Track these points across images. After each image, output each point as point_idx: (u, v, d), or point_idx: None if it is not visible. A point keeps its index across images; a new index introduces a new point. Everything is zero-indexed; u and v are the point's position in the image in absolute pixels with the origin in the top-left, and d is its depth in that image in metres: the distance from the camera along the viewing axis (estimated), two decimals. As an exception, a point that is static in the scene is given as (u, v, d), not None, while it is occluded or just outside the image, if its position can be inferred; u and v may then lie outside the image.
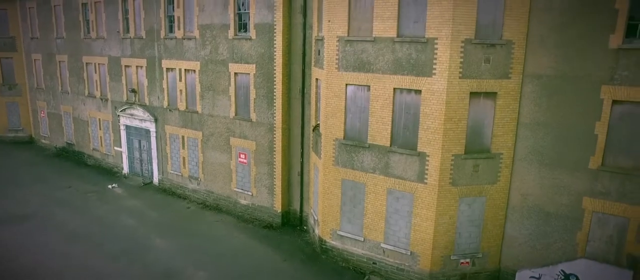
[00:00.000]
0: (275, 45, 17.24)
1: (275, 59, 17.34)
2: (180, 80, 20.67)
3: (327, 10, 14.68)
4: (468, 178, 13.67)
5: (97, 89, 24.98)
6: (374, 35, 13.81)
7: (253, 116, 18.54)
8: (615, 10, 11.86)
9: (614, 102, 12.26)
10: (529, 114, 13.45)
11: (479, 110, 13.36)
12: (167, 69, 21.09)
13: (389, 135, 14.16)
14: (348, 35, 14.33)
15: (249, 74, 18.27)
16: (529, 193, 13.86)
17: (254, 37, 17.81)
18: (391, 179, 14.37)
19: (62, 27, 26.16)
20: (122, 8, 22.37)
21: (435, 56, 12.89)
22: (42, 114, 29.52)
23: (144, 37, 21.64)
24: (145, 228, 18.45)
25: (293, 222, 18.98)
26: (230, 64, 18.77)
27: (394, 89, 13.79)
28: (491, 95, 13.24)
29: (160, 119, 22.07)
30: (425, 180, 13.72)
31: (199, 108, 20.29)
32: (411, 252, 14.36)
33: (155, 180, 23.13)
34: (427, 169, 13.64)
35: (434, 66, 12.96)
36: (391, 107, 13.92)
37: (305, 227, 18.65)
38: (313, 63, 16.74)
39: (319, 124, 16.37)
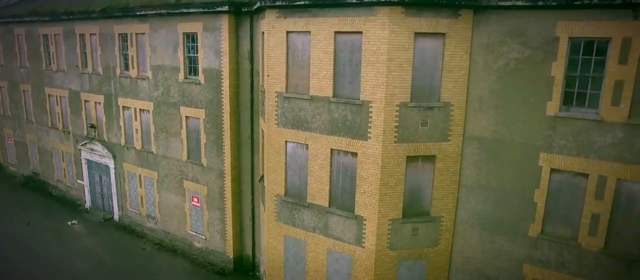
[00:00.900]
0: (222, 92, 16.82)
1: (223, 105, 16.92)
2: (136, 119, 20.28)
3: (267, 64, 14.26)
4: (407, 241, 13.25)
5: (59, 121, 24.60)
6: (310, 94, 13.38)
7: (204, 161, 18.15)
8: (551, 77, 11.44)
9: (553, 170, 11.84)
10: (470, 177, 13.02)
11: (417, 174, 12.93)
12: (124, 107, 20.70)
13: (328, 196, 13.74)
14: (286, 92, 13.91)
15: (199, 118, 17.87)
16: (471, 256, 13.44)
17: (202, 81, 17.40)
18: (331, 239, 13.96)
19: (25, 57, 25.75)
20: (80, 42, 21.96)
21: (370, 119, 12.46)
22: (9, 141, 29.17)
23: (101, 73, 21.24)
24: (94, 276, 18.08)
25: (246, 267, 18.59)
26: (181, 107, 18.37)
27: (332, 149, 13.37)
28: (430, 158, 12.80)
29: (118, 156, 21.69)
30: (363, 244, 13.31)
31: (154, 148, 19.90)
32: (352, 315, 13.99)
33: (116, 216, 22.76)
34: (364, 233, 13.23)
35: (369, 129, 12.54)
36: (329, 167, 13.51)
37: (258, 273, 18.27)
38: (260, 113, 16.34)
39: (263, 176, 15.98)
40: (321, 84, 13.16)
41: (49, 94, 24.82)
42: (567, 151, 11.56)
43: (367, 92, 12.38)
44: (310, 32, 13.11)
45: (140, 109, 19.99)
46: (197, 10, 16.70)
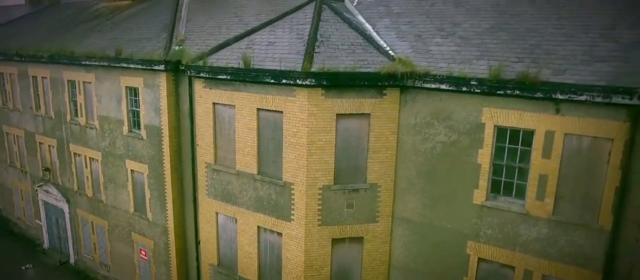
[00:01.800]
0: (163, 150, 16.32)
1: (164, 163, 16.43)
2: (87, 167, 19.82)
3: (197, 132, 13.77)
4: (337, 323, 12.74)
5: (17, 160, 24.19)
6: (237, 169, 12.86)
7: (150, 215, 17.66)
8: (478, 164, 10.85)
9: (480, 259, 11.27)
10: (400, 258, 12.45)
11: (345, 255, 12.38)
12: (75, 154, 20.25)
13: (257, 272, 13.23)
14: (215, 163, 13.40)
15: (143, 173, 17.37)
16: (405, 337, 12.92)
17: (145, 137, 16.89)
18: (261, 317, 13.49)
19: (-15, 92, 25.37)
20: (33, 84, 21.52)
21: (292, 201, 11.92)
22: (-25, 174, 28.85)
23: (53, 117, 20.78)
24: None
25: (194, 324, 18.15)
26: (126, 160, 17.88)
27: (258, 226, 12.86)
28: (358, 239, 12.25)
29: (72, 201, 21.26)
30: (291, 326, 12.83)
31: (103, 198, 19.44)
32: None
33: (72, 259, 22.34)
34: (292, 314, 12.74)
35: (292, 211, 12.00)
36: (256, 244, 12.99)
37: (205, 331, 17.81)
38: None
39: (199, 241, 15.48)
40: (246, 159, 12.63)
41: (6, 132, 24.41)
42: (494, 242, 10.98)
43: (289, 173, 11.84)
44: (234, 105, 12.58)
45: (90, 157, 19.53)
46: (136, 66, 16.20)
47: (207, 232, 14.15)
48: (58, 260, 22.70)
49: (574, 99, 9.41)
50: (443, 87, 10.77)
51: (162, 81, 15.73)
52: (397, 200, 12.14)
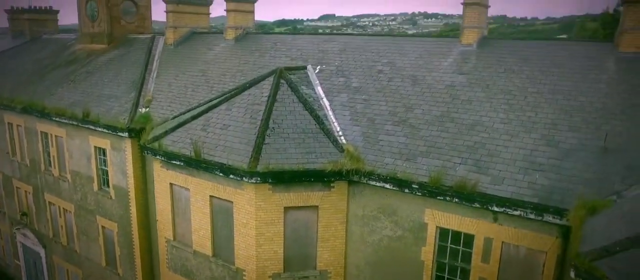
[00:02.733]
0: (131, 212, 16.51)
1: (132, 224, 16.63)
2: (61, 216, 20.04)
3: (157, 208, 13.94)
4: None
5: (-3, 200, 24.53)
6: (193, 248, 13.04)
7: (120, 271, 17.88)
8: (422, 261, 10.97)
9: None
10: (353, 340, 12.66)
11: (297, 337, 12.58)
12: (49, 202, 20.48)
13: None
14: (174, 240, 13.58)
15: (113, 230, 17.58)
16: None
17: (113, 197, 17.08)
18: None
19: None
20: (8, 130, 21.71)
21: (245, 288, 12.13)
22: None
23: (28, 165, 20.99)
24: None
25: None
26: (97, 216, 18.08)
27: (214, 306, 13.09)
28: (310, 323, 12.45)
29: (48, 247, 21.52)
30: None
31: (77, 248, 19.67)
32: None
33: (51, 301, 22.73)
34: None
35: (245, 298, 12.21)
36: (213, 323, 13.22)
37: None
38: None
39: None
40: (202, 241, 12.80)
41: (-15, 173, 24.72)
42: (439, 336, 11.15)
43: (241, 260, 12.01)
44: (189, 189, 12.73)
45: (63, 208, 19.76)
46: (103, 129, 16.36)
47: (168, 303, 14.40)
48: (37, 302, 23.08)
49: (509, 212, 9.54)
50: (387, 186, 10.89)
51: (128, 146, 15.90)
52: (349, 286, 12.33)
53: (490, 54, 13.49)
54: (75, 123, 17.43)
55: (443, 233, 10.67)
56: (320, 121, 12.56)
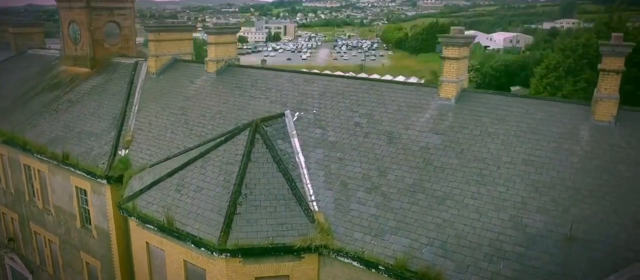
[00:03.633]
0: (113, 254, 16.65)
1: (114, 265, 16.79)
2: (46, 246, 20.23)
3: (135, 263, 14.05)
4: None
5: (-15, 221, 24.70)
6: (169, 308, 13.23)
7: (104, 307, 18.22)
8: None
9: None
10: None
11: None
12: (35, 232, 20.63)
13: None
14: (150, 295, 13.76)
15: (97, 267, 17.76)
16: None
17: (96, 236, 17.21)
18: None
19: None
20: (-7, 157, 21.76)
21: None
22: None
23: (13, 193, 21.08)
24: None
25: None
26: (81, 252, 18.25)
27: None
28: None
29: (35, 273, 21.80)
30: None
31: (63, 278, 19.93)
32: None
33: (41, 322, 23.15)
34: None
35: None
36: None
37: None
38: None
39: None
40: (176, 301, 12.99)
41: (-27, 194, 24.83)
42: None
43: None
44: (164, 250, 12.82)
45: (48, 239, 19.93)
46: (82, 173, 16.35)
47: None
48: (28, 323, 23.50)
49: (471, 304, 9.62)
50: (355, 263, 10.95)
51: (107, 191, 15.94)
52: None
53: (467, 112, 13.34)
54: (55, 162, 17.43)
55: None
56: (293, 185, 12.54)
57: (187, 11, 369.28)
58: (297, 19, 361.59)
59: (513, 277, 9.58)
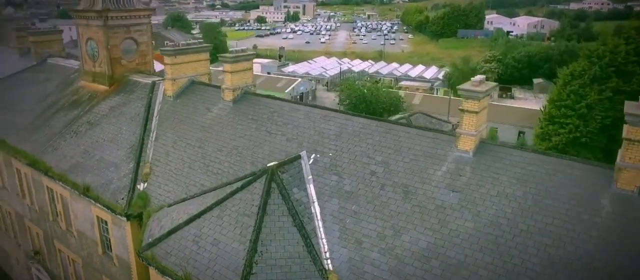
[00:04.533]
0: (133, 283, 17.23)
1: (135, 296, 17.39)
2: (70, 265, 20.98)
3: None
4: None
5: (11, 231, 25.57)
6: None
7: (126, 328, 18.92)
8: None
9: None
10: None
11: None
12: (59, 250, 21.36)
13: None
14: (169, 338, 14.22)
15: (118, 293, 18.45)
16: None
17: (117, 265, 17.75)
18: None
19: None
20: (17, 174, 22.33)
21: None
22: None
23: (38, 211, 21.75)
24: None
25: None
26: (103, 276, 18.89)
27: None
28: None
29: (61, 285, 22.73)
30: None
31: (86, 295, 20.77)
32: None
33: (66, 329, 24.21)
34: None
35: None
36: None
37: None
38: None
39: None
40: None
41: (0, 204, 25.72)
42: None
43: None
44: (182, 298, 13.19)
45: (72, 259, 20.64)
46: (102, 207, 16.76)
47: None
48: (54, 329, 24.61)
49: None
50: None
51: (127, 227, 16.34)
52: None
53: (485, 168, 13.14)
54: (76, 193, 17.87)
55: None
56: (308, 242, 12.67)
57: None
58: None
59: None
